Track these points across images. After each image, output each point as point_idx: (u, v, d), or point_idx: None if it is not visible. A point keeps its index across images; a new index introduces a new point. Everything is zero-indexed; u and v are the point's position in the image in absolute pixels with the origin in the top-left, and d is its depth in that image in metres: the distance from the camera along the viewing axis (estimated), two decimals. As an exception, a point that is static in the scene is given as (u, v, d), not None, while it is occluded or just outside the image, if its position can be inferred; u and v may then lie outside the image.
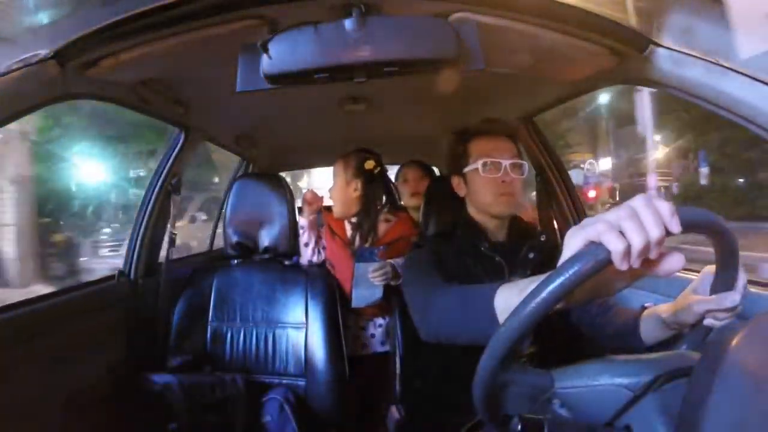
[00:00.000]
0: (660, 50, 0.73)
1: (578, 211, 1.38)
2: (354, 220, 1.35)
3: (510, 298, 0.53)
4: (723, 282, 0.50)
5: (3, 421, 0.78)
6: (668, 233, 0.36)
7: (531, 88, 1.21)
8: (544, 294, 0.36)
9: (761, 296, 0.77)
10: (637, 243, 0.36)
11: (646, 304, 0.69)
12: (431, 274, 0.79)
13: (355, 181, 1.32)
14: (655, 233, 0.36)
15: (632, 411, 0.43)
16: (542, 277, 0.38)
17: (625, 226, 0.36)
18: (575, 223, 1.39)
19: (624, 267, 0.36)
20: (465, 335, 0.64)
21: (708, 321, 0.54)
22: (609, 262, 0.36)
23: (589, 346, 0.80)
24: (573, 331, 0.82)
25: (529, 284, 0.47)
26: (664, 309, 0.63)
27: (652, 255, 0.37)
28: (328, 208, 1.45)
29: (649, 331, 0.66)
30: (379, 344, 1.35)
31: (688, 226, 0.37)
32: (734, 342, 0.35)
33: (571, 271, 0.36)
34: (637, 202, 0.37)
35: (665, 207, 0.37)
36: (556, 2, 0.68)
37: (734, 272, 0.48)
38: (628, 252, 0.36)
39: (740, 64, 0.65)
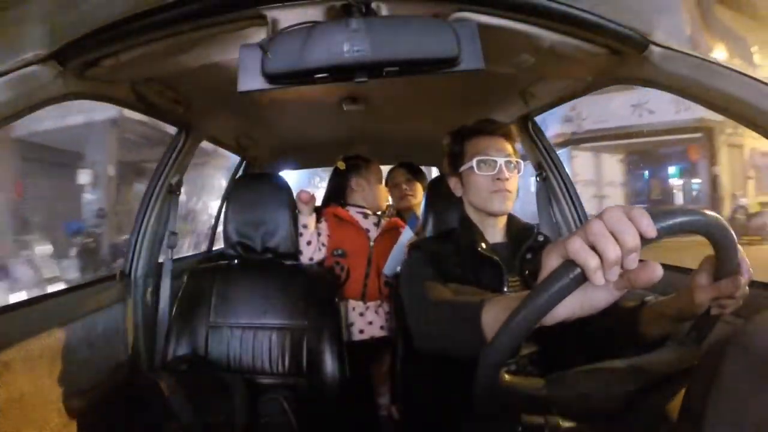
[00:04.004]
0: (660, 50, 0.72)
1: (578, 211, 1.37)
2: (378, 212, 1.54)
3: (497, 314, 0.53)
4: (725, 268, 0.49)
5: (3, 421, 0.78)
6: (645, 241, 0.36)
7: (531, 88, 1.21)
8: (522, 316, 0.38)
9: (759, 295, 0.77)
10: (610, 257, 0.36)
11: (646, 299, 0.67)
12: (426, 283, 0.80)
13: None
14: (629, 243, 0.36)
15: (631, 411, 0.43)
16: (525, 294, 0.39)
17: (597, 240, 0.36)
18: (575, 224, 1.37)
19: (600, 282, 0.36)
20: (453, 349, 0.65)
21: (714, 310, 0.53)
22: (584, 279, 0.36)
23: (589, 346, 0.79)
24: (573, 330, 0.81)
25: (513, 302, 0.47)
26: (667, 302, 0.61)
27: (630, 265, 0.37)
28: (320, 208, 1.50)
29: (650, 327, 0.65)
30: (377, 329, 1.39)
31: (667, 231, 0.37)
32: (734, 341, 0.35)
33: (547, 291, 0.37)
34: (610, 213, 0.37)
35: (639, 214, 0.36)
36: (556, 2, 0.68)
37: (734, 256, 0.47)
38: (601, 267, 0.36)
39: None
